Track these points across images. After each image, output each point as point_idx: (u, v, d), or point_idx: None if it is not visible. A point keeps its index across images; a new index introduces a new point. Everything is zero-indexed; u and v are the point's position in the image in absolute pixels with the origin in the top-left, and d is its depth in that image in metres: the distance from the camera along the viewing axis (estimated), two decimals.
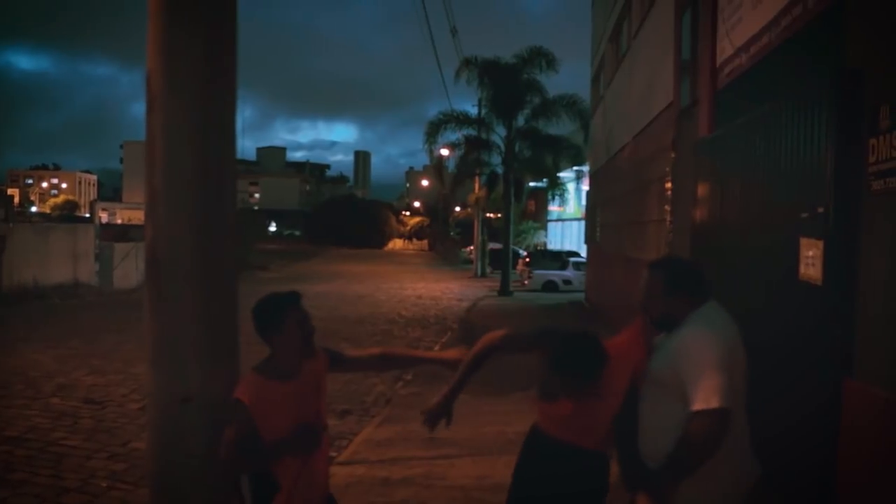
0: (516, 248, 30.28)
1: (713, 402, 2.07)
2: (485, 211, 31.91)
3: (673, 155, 8.72)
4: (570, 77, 24.94)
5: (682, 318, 2.34)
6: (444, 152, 26.75)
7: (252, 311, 2.59)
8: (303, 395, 2.61)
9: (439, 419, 2.81)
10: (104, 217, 31.18)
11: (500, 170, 24.46)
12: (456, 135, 24.65)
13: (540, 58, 22.37)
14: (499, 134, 23.88)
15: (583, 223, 25.60)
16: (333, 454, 5.55)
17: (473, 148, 24.62)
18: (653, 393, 2.35)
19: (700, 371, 2.12)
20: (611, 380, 2.42)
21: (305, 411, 2.60)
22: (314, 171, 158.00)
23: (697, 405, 2.09)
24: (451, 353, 2.98)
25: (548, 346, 2.51)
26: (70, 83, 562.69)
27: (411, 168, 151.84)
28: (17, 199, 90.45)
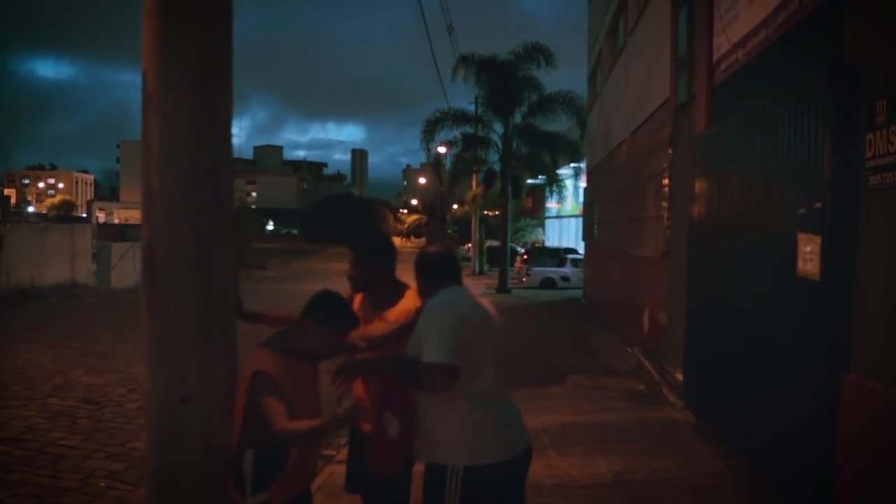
0: (514, 245, 30.25)
1: (434, 357, 2.57)
2: (482, 208, 31.85)
3: (670, 151, 8.72)
4: (566, 79, 24.85)
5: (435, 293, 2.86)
6: (442, 150, 26.70)
7: (330, 297, 2.79)
8: (317, 379, 2.83)
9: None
10: (101, 217, 31.17)
11: (497, 167, 24.38)
12: (453, 132, 24.59)
13: (537, 54, 22.22)
14: (496, 131, 23.79)
15: (580, 220, 25.60)
16: (332, 453, 5.55)
17: (470, 145, 24.52)
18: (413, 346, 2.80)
19: (431, 332, 2.63)
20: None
21: (317, 393, 2.81)
22: (311, 170, 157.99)
23: (425, 358, 2.60)
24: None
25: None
26: (85, 88, 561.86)
27: (408, 166, 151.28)
28: (13, 200, 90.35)
